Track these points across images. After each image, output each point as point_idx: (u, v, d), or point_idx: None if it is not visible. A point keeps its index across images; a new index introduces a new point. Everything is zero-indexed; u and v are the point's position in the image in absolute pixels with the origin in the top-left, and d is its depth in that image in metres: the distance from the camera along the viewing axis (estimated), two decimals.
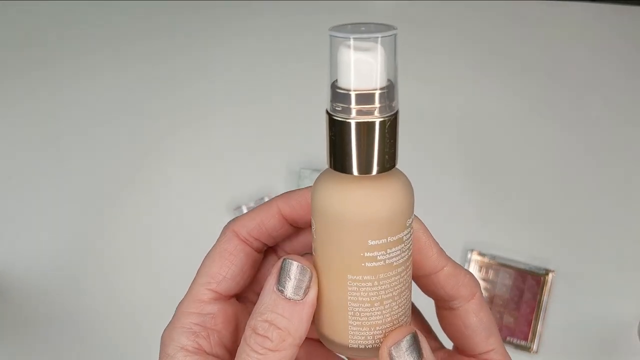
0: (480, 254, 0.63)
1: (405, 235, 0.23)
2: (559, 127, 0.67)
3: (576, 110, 0.68)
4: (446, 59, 0.70)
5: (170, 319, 0.25)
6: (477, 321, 0.26)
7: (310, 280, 0.23)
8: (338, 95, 0.21)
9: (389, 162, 0.22)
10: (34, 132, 0.68)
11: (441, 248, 0.25)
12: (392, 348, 0.23)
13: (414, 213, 0.24)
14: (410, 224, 0.23)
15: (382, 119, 0.21)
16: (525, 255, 0.63)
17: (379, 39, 0.20)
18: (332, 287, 0.23)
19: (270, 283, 0.23)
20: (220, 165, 0.67)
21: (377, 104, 0.21)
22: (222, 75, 0.70)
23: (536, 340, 0.60)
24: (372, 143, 0.21)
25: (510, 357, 0.27)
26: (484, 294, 0.62)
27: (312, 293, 0.23)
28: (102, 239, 0.64)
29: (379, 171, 0.22)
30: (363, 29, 0.21)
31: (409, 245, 0.23)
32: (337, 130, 0.22)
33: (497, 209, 0.65)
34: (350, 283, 0.23)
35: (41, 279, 0.63)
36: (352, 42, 0.20)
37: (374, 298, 0.23)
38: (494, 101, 0.69)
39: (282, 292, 0.23)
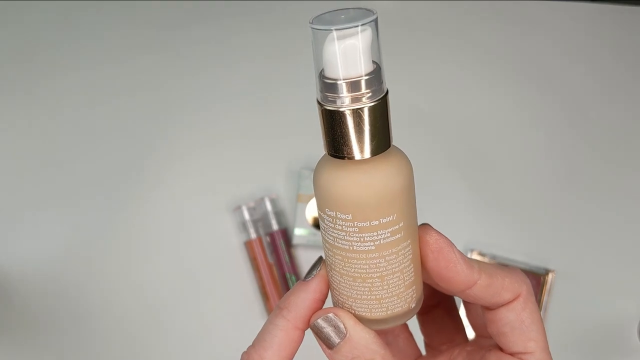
0: (480, 254, 0.63)
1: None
2: (559, 127, 0.67)
3: (576, 110, 0.68)
4: (447, 59, 0.70)
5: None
6: (515, 320, 0.25)
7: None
8: (326, 85, 0.22)
9: (383, 145, 0.22)
10: (34, 131, 0.68)
11: (470, 260, 0.25)
12: (316, 321, 0.25)
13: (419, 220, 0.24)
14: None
15: (371, 104, 0.21)
16: (525, 255, 0.63)
17: (360, 27, 0.21)
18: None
19: None
20: (220, 165, 0.67)
21: (365, 90, 0.21)
22: (222, 75, 0.70)
23: None
24: (364, 128, 0.22)
25: None
26: None
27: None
28: (102, 239, 0.64)
29: (375, 154, 0.22)
30: (343, 16, 0.21)
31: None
32: (328, 119, 0.22)
33: (497, 209, 0.65)
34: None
35: (42, 277, 0.63)
36: (334, 33, 0.21)
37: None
38: (493, 101, 0.69)
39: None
